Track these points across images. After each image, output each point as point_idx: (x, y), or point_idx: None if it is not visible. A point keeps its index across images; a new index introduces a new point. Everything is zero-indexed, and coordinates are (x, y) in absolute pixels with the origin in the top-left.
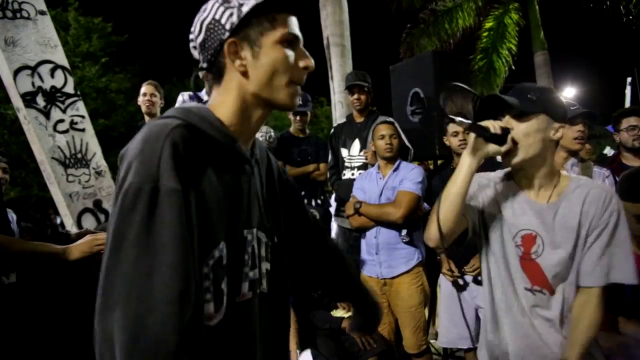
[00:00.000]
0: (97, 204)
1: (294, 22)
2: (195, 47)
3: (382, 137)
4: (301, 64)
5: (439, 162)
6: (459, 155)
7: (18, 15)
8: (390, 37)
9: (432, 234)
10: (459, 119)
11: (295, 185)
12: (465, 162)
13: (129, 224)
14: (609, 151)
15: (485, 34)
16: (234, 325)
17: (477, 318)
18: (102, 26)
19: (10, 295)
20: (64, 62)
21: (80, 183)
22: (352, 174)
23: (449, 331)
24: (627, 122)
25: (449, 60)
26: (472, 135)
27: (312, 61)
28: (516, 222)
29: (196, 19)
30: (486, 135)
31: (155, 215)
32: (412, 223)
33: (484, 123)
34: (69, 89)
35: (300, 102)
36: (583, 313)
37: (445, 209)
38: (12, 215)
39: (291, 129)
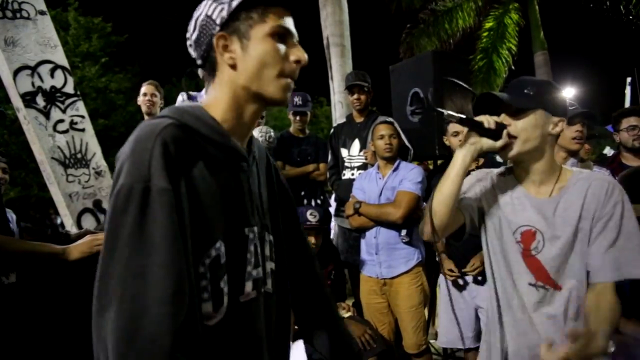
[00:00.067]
0: (97, 204)
1: (286, 16)
2: (191, 45)
3: (382, 137)
4: (292, 57)
5: (439, 162)
6: None
7: (18, 15)
8: (390, 37)
9: (425, 228)
10: (448, 112)
11: (290, 195)
12: (459, 157)
13: (122, 225)
14: (608, 151)
15: (485, 34)
16: (238, 324)
17: (477, 318)
18: (102, 26)
19: (10, 295)
20: (64, 62)
21: (80, 183)
22: (352, 174)
23: (449, 331)
24: (627, 122)
25: (449, 60)
26: (465, 130)
27: (305, 55)
28: (516, 218)
29: (192, 17)
30: (480, 130)
31: (147, 215)
32: (411, 223)
33: (479, 118)
34: (69, 89)
35: (300, 102)
36: (597, 308)
37: (438, 203)
38: (11, 215)
39: (291, 129)
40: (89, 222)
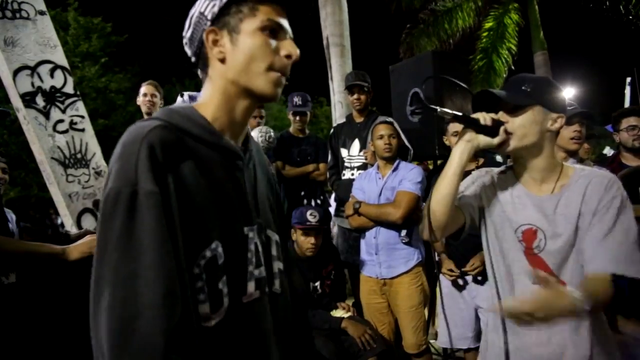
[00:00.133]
0: (97, 204)
1: (278, 11)
2: (186, 44)
3: (381, 137)
4: (283, 51)
5: (439, 162)
6: None
7: (17, 15)
8: (390, 37)
9: (423, 227)
10: (442, 109)
11: (280, 198)
12: (456, 154)
13: (111, 229)
14: (608, 151)
15: (485, 34)
16: (240, 325)
17: (477, 318)
18: (102, 26)
19: (10, 295)
20: (64, 62)
21: (80, 183)
22: (352, 174)
23: (449, 331)
24: (626, 122)
25: (449, 60)
26: (460, 127)
27: (297, 50)
28: (517, 216)
29: (188, 16)
30: (476, 127)
31: (135, 219)
32: (411, 223)
33: (475, 115)
34: (69, 89)
35: (300, 102)
36: (585, 281)
37: (436, 202)
38: (11, 216)
39: (291, 129)
40: (89, 222)
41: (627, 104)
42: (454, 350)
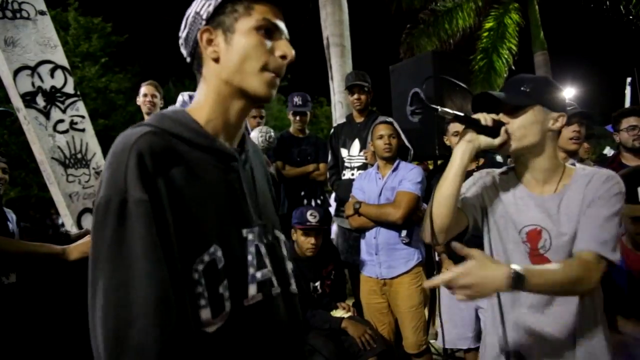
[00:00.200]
0: None
1: (274, 12)
2: (182, 44)
3: (381, 137)
4: (278, 52)
5: (439, 162)
6: None
7: (18, 15)
8: (390, 37)
9: (425, 230)
10: (443, 109)
11: (275, 200)
12: (457, 155)
13: (102, 238)
14: (608, 151)
15: (485, 34)
16: (243, 329)
17: (477, 318)
18: (102, 26)
19: (10, 295)
20: (64, 62)
21: (80, 183)
22: (352, 174)
23: (449, 331)
24: (627, 122)
25: (449, 60)
26: (461, 127)
27: (292, 51)
28: (520, 217)
29: (184, 16)
30: (477, 127)
31: (126, 228)
32: (411, 224)
33: (476, 115)
34: (69, 89)
35: (300, 102)
36: (564, 264)
37: (438, 205)
38: (11, 216)
39: (291, 129)
40: (89, 222)
41: (627, 104)
42: (454, 350)
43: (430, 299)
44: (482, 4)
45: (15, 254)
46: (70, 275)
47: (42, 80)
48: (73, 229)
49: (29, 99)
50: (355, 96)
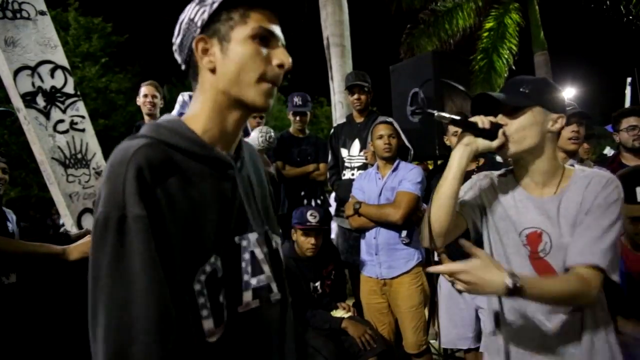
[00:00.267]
0: None
1: (270, 18)
2: (175, 50)
3: (381, 137)
4: (275, 61)
5: (439, 162)
6: None
7: (18, 15)
8: (390, 37)
9: (423, 234)
10: (439, 113)
11: (273, 203)
12: (455, 159)
13: (102, 254)
14: (609, 151)
15: (485, 34)
16: (238, 336)
17: (478, 318)
18: (102, 26)
19: (10, 295)
20: (64, 62)
21: (80, 183)
22: (352, 174)
23: (449, 331)
24: (627, 122)
25: (449, 60)
26: (459, 130)
27: (289, 59)
28: (520, 220)
29: (178, 21)
30: (475, 130)
31: (125, 244)
32: (411, 224)
33: (473, 118)
34: (69, 89)
35: (300, 103)
36: (553, 279)
37: (437, 208)
38: (11, 216)
39: (291, 129)
40: (89, 222)
41: (627, 104)
42: (454, 350)
43: (431, 299)
44: (482, 4)
45: (15, 254)
46: (70, 275)
47: (42, 81)
48: (73, 229)
49: (29, 99)
50: (355, 96)
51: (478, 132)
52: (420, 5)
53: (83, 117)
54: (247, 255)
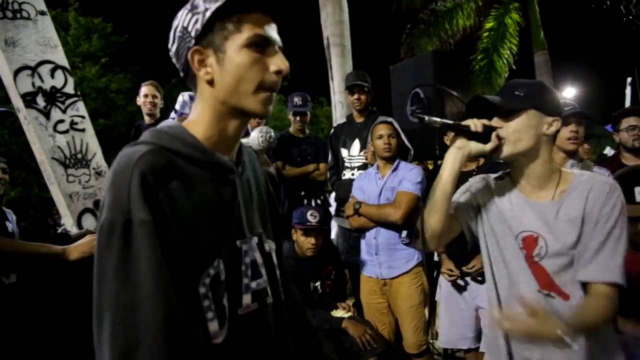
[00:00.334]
0: (98, 203)
1: (265, 22)
2: (172, 57)
3: (381, 137)
4: (272, 67)
5: (439, 162)
6: None
7: (18, 15)
8: (390, 38)
9: (418, 237)
10: (430, 118)
11: (276, 205)
12: (447, 162)
13: (108, 259)
14: (609, 151)
15: (485, 34)
16: (239, 338)
17: (478, 318)
18: (102, 26)
19: (10, 295)
20: (64, 62)
21: (81, 183)
22: (352, 174)
23: (449, 331)
24: (627, 122)
25: (449, 60)
26: (451, 134)
27: (286, 64)
28: (516, 223)
29: (171, 27)
30: (467, 134)
31: (131, 248)
32: (411, 224)
33: (466, 121)
34: (69, 89)
35: (300, 103)
36: (585, 309)
37: (430, 211)
38: (11, 216)
39: (291, 129)
40: (89, 222)
41: (627, 104)
42: (454, 350)
43: (431, 299)
44: (482, 4)
45: (15, 254)
46: (70, 275)
47: (42, 81)
48: (73, 229)
49: (29, 99)
50: (355, 96)
51: (471, 135)
52: (420, 5)
53: (83, 117)
54: (247, 259)
